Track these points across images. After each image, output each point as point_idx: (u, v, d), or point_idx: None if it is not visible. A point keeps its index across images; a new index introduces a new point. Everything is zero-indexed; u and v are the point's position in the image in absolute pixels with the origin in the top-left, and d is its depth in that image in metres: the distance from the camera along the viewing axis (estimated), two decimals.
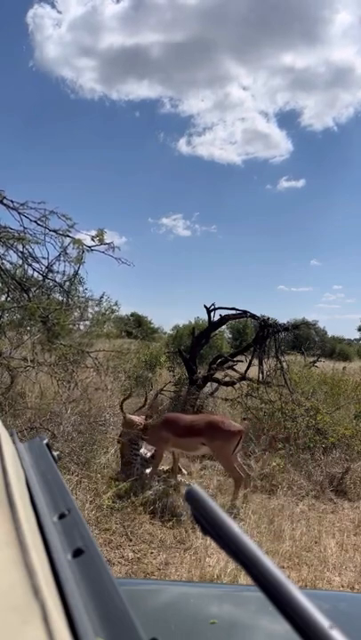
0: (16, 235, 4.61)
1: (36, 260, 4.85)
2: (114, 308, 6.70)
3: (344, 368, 12.12)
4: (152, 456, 4.64)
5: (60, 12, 53.54)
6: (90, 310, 6.16)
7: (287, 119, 60.19)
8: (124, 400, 4.80)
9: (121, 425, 4.68)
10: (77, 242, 4.88)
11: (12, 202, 4.60)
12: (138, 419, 4.65)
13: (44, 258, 4.88)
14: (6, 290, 4.88)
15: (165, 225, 54.54)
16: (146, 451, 4.67)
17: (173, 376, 8.11)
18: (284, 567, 3.29)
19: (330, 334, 30.48)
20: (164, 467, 4.79)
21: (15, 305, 4.85)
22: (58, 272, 5.05)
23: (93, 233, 4.96)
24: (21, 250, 4.71)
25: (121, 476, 4.39)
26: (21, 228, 4.63)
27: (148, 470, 4.53)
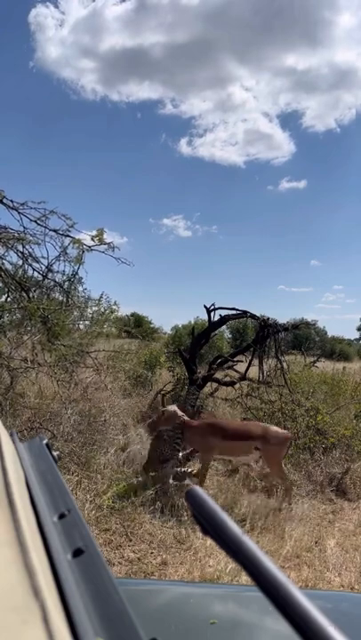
0: (16, 235, 4.60)
1: (35, 259, 4.84)
2: (113, 307, 6.69)
3: (344, 368, 12.12)
4: (186, 457, 4.53)
5: (62, 13, 53.43)
6: (89, 310, 6.16)
7: (289, 120, 60.20)
8: (158, 393, 4.73)
9: (157, 419, 4.56)
10: (77, 242, 4.87)
11: (11, 201, 4.59)
12: (180, 412, 4.53)
13: (43, 258, 4.88)
14: (6, 290, 4.88)
15: (166, 225, 54.54)
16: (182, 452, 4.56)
17: (173, 376, 8.11)
18: (284, 567, 3.30)
19: (330, 334, 30.53)
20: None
21: (15, 305, 4.84)
22: (58, 272, 5.05)
23: (94, 233, 4.95)
24: (21, 250, 4.71)
25: (147, 471, 4.32)
26: (21, 228, 4.63)
27: (177, 468, 4.42)
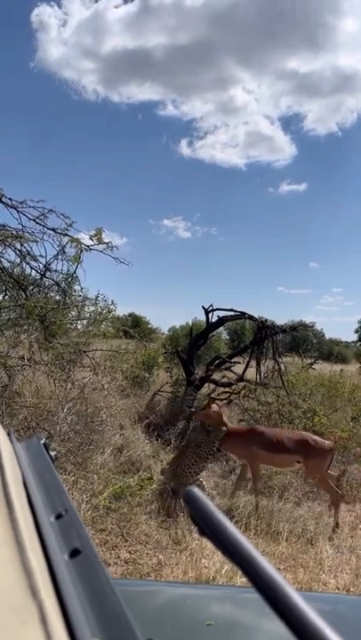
0: (14, 233, 4.59)
1: (34, 258, 4.83)
2: (110, 307, 6.69)
3: (341, 370, 12.15)
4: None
5: (65, 14, 53.16)
6: (87, 310, 6.16)
7: (291, 123, 60.12)
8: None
9: (203, 414, 4.43)
10: (75, 241, 4.86)
11: (10, 200, 4.58)
12: (226, 423, 4.40)
13: (42, 256, 4.87)
14: (4, 288, 4.86)
15: (166, 226, 54.38)
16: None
17: (171, 377, 8.11)
18: (280, 569, 3.30)
19: (328, 336, 30.56)
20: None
21: (12, 303, 4.83)
22: (56, 271, 5.04)
23: (92, 232, 4.95)
24: (19, 248, 4.70)
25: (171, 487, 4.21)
26: (20, 227, 4.62)
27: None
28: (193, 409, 4.70)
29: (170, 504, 4.02)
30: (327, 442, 4.45)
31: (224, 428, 4.38)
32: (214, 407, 4.47)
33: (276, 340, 7.19)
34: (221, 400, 4.69)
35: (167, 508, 3.98)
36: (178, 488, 4.13)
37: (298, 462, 4.32)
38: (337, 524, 4.14)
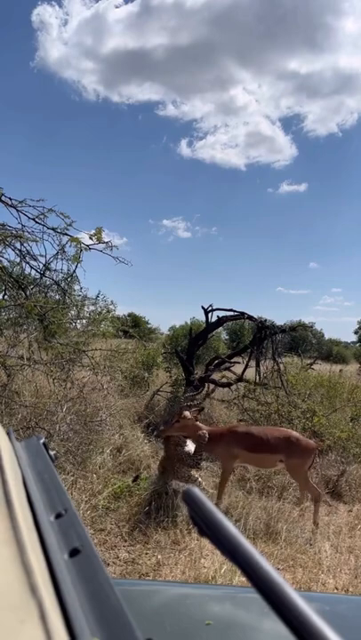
0: (14, 232, 4.59)
1: (33, 257, 4.83)
2: (110, 307, 6.70)
3: (341, 370, 12.15)
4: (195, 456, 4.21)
5: (66, 14, 53.11)
6: (86, 309, 6.16)
7: (291, 124, 60.23)
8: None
9: (171, 424, 4.24)
10: (75, 240, 4.86)
11: (10, 199, 4.58)
12: (200, 424, 4.24)
13: (41, 256, 4.86)
14: (3, 288, 4.86)
15: (166, 226, 54.45)
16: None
17: (170, 377, 8.10)
18: (278, 569, 3.30)
19: (327, 337, 30.65)
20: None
21: (12, 303, 4.83)
22: (55, 270, 5.04)
23: (92, 232, 4.95)
24: (19, 247, 4.70)
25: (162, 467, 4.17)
26: (19, 226, 4.61)
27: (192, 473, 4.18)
28: (162, 427, 4.40)
29: (167, 502, 4.02)
30: (311, 440, 4.35)
31: (205, 434, 4.15)
32: (186, 414, 4.22)
33: (275, 340, 7.19)
34: (190, 407, 4.42)
35: (165, 507, 3.98)
36: (169, 480, 4.12)
37: (281, 461, 4.19)
38: (316, 524, 4.06)
